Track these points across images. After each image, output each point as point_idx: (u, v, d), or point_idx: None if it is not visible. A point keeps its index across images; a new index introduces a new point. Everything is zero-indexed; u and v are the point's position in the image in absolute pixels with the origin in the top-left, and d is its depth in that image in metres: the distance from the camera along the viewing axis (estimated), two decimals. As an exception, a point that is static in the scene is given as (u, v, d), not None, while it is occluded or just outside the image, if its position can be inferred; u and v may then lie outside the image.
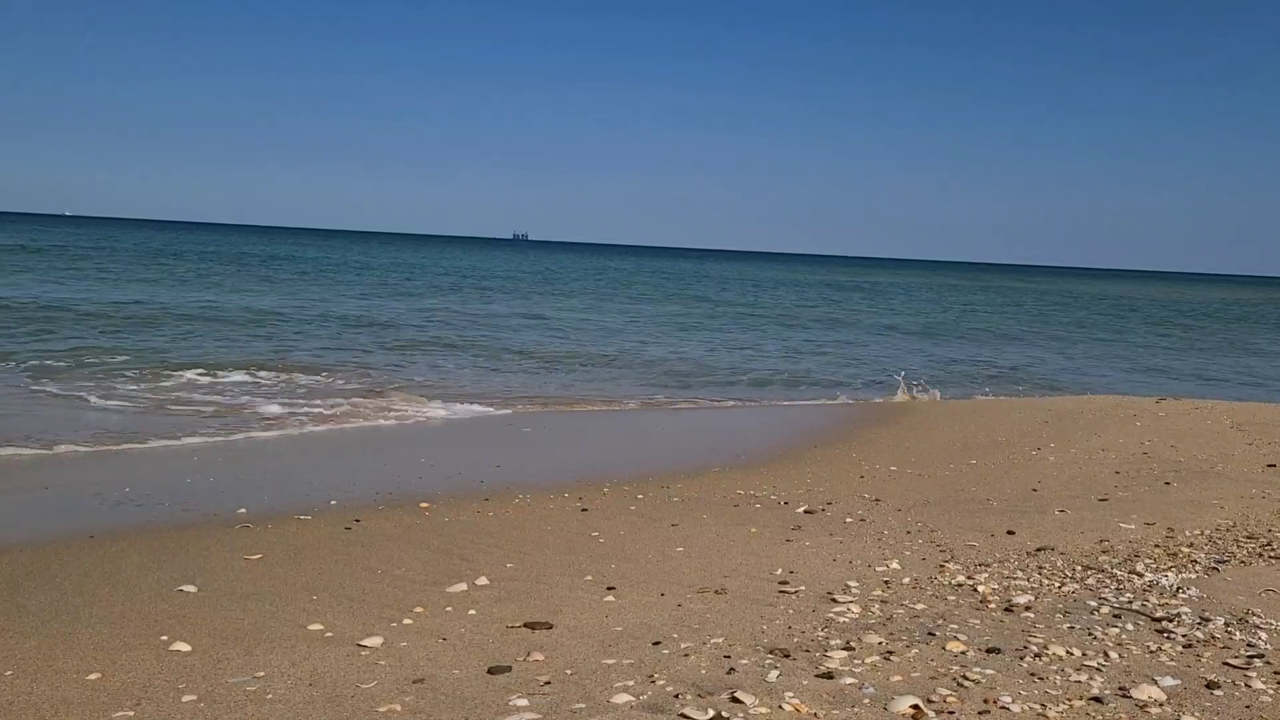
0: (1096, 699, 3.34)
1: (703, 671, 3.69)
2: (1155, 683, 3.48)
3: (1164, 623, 4.18)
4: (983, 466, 9.09)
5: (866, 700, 3.34)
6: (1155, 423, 11.45)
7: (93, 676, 3.85)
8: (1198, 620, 4.21)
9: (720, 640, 4.12)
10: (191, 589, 5.02)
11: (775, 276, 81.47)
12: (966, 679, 3.51)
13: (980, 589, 4.86)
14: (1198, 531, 6.17)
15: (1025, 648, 3.85)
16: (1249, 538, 5.94)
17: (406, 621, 4.54)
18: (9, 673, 3.89)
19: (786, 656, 3.84)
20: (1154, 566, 5.25)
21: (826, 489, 7.99)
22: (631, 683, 3.59)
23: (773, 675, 3.57)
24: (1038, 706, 3.27)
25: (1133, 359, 25.53)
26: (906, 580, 5.14)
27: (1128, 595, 4.65)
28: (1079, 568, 5.28)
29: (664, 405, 14.57)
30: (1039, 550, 5.73)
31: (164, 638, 4.29)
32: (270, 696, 3.63)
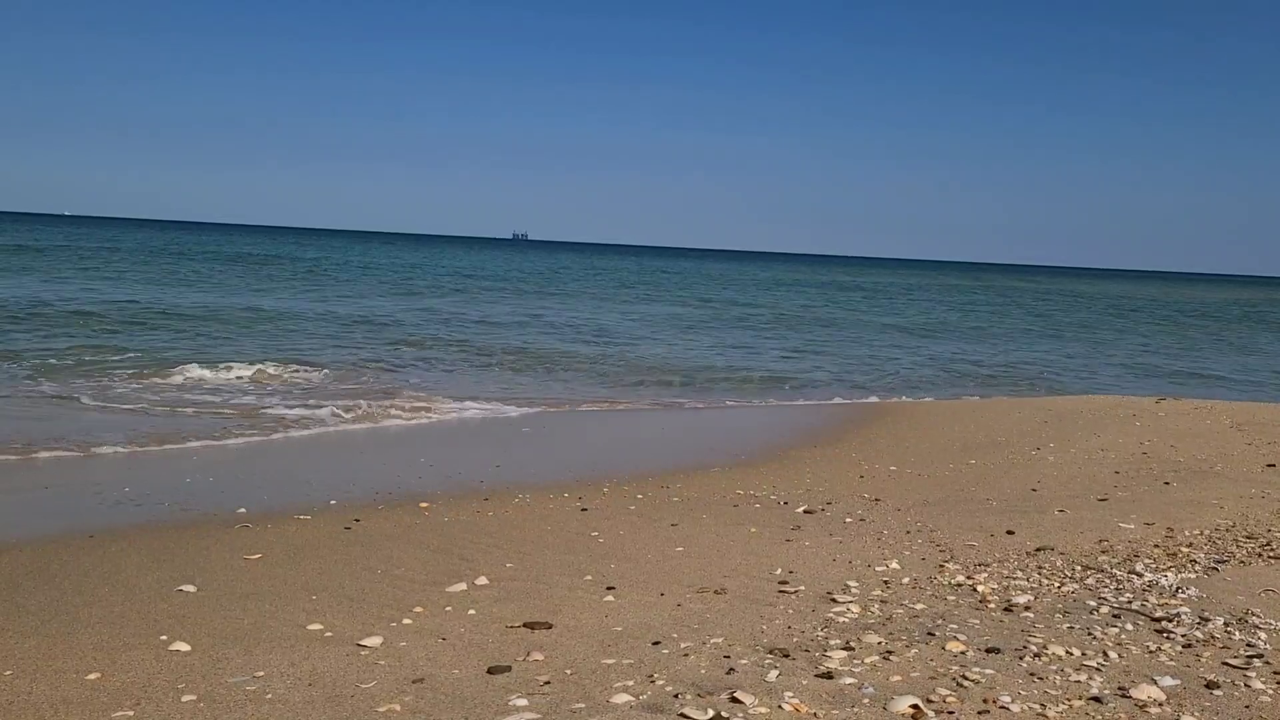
0: (1096, 699, 3.34)
1: (702, 671, 3.69)
2: (1155, 683, 3.49)
3: (1163, 623, 4.18)
4: (982, 466, 9.09)
5: (866, 700, 3.34)
6: (1155, 422, 11.45)
7: (92, 676, 3.85)
8: (1197, 620, 4.21)
9: (720, 640, 4.12)
10: (191, 589, 5.02)
11: (775, 276, 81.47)
12: (966, 679, 3.51)
13: (980, 589, 4.86)
14: (1197, 531, 6.17)
15: (1025, 648, 3.85)
16: (1248, 538, 5.94)
17: (406, 621, 4.54)
18: (8, 672, 3.89)
19: (786, 656, 3.84)
20: (1153, 566, 5.25)
21: (826, 489, 7.99)
22: (631, 682, 3.59)
23: (772, 675, 3.57)
24: (1037, 706, 3.27)
25: (1132, 359, 25.53)
26: (906, 580, 5.14)
27: (1127, 595, 4.65)
28: (1078, 568, 5.28)
29: (663, 405, 14.57)
30: (1038, 550, 5.73)
31: (163, 637, 4.29)
32: (270, 696, 3.63)
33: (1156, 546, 5.77)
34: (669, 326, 28.67)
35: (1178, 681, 3.51)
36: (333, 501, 7.19)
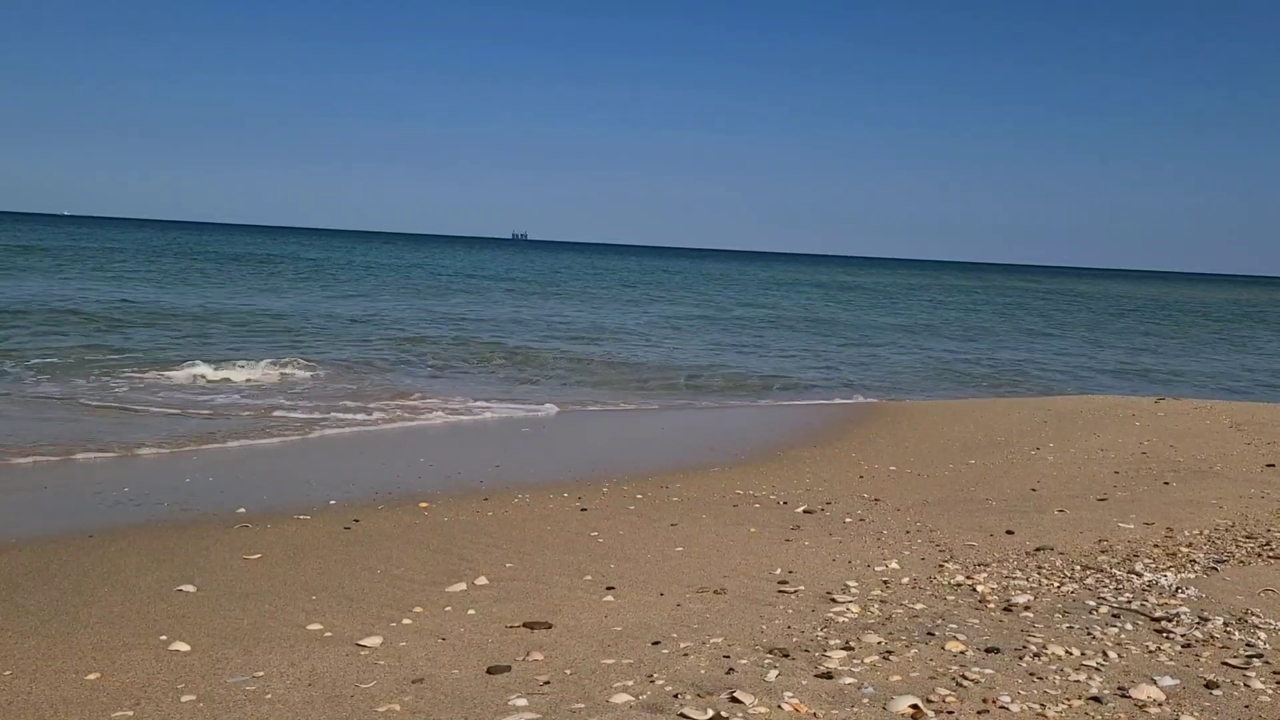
0: (1095, 699, 3.34)
1: (702, 671, 3.69)
2: (1154, 682, 3.49)
3: (1163, 622, 4.18)
4: (982, 466, 9.09)
5: (866, 700, 3.34)
6: (1154, 422, 11.45)
7: (92, 676, 3.85)
8: (1196, 620, 4.21)
9: (719, 640, 4.12)
10: (190, 589, 5.02)
11: (776, 276, 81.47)
12: (965, 679, 3.51)
13: (979, 589, 4.86)
14: (1196, 531, 6.17)
15: (1024, 647, 3.85)
16: (1248, 537, 5.94)
17: (406, 621, 4.54)
18: (8, 672, 3.89)
19: (786, 656, 3.84)
20: (1153, 566, 5.25)
21: (826, 489, 7.99)
22: (631, 682, 3.59)
23: (772, 675, 3.57)
24: (1037, 706, 3.27)
25: (1132, 358, 25.53)
26: (906, 580, 5.14)
27: (1126, 595, 4.65)
28: (1078, 567, 5.28)
29: (663, 405, 14.57)
30: (1038, 550, 5.73)
31: (163, 637, 4.29)
32: (269, 696, 3.63)
33: (1156, 546, 5.77)
34: (669, 326, 28.66)
35: (1177, 681, 3.51)
36: (332, 501, 7.20)
